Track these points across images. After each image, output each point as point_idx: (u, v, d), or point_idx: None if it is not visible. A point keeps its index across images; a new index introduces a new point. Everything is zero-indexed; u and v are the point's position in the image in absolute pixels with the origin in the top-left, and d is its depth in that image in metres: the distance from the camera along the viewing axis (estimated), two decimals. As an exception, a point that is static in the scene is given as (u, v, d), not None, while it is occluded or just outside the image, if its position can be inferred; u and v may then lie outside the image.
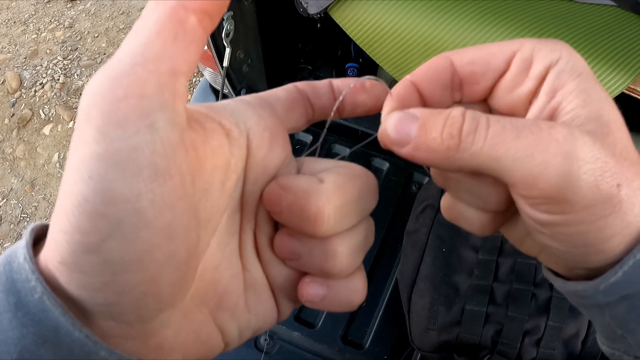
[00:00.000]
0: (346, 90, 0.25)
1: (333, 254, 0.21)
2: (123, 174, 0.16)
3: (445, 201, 0.26)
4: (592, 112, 0.20)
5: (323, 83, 0.25)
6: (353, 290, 0.22)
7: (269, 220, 0.23)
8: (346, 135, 1.00)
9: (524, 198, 0.20)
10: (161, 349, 0.19)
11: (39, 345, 0.16)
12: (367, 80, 0.25)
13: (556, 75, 0.20)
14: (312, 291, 0.22)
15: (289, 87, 0.25)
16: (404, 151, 0.21)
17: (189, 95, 1.95)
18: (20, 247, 0.18)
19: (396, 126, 0.21)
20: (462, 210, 0.24)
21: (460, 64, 0.22)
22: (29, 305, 0.16)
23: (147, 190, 0.16)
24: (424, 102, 0.23)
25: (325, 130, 0.25)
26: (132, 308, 0.17)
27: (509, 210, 0.23)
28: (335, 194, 0.21)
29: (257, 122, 0.22)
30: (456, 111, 0.20)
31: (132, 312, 0.18)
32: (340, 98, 0.25)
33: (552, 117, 0.21)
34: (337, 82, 0.25)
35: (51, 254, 0.17)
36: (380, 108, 0.26)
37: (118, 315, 0.17)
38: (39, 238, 0.19)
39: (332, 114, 0.25)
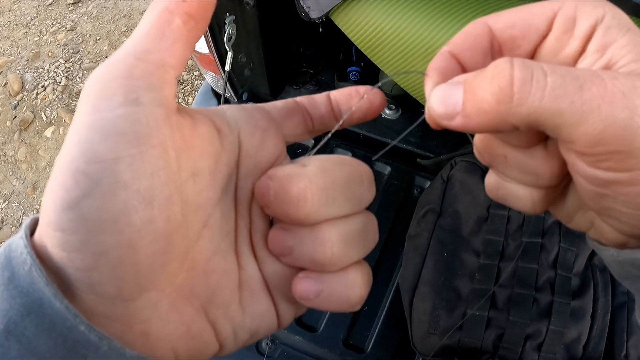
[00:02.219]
0: (360, 99, 0.25)
1: (322, 241, 0.21)
2: (106, 138, 0.17)
3: (490, 180, 0.24)
4: None
5: (321, 94, 0.26)
6: (350, 285, 0.22)
7: (263, 217, 0.23)
8: (348, 139, 1.00)
9: (586, 156, 0.18)
10: (147, 337, 0.19)
11: (24, 316, 0.16)
12: (361, 87, 0.26)
13: (604, 32, 0.19)
14: (305, 286, 0.21)
15: (288, 99, 0.26)
16: (455, 123, 0.20)
17: (191, 99, 1.95)
18: (21, 229, 0.19)
19: (441, 98, 0.20)
20: (510, 189, 0.23)
21: (499, 28, 0.21)
22: (19, 278, 0.17)
23: (127, 155, 0.17)
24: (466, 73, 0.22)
25: (329, 135, 0.26)
26: (111, 277, 0.18)
27: (560, 185, 0.22)
28: (317, 175, 0.21)
29: (248, 121, 0.23)
30: (502, 60, 0.18)
31: (112, 282, 0.18)
32: (352, 108, 0.26)
33: None
34: (334, 93, 0.26)
35: (42, 219, 0.18)
36: (375, 112, 0.26)
37: (98, 285, 0.17)
38: None
39: (342, 121, 0.26)
